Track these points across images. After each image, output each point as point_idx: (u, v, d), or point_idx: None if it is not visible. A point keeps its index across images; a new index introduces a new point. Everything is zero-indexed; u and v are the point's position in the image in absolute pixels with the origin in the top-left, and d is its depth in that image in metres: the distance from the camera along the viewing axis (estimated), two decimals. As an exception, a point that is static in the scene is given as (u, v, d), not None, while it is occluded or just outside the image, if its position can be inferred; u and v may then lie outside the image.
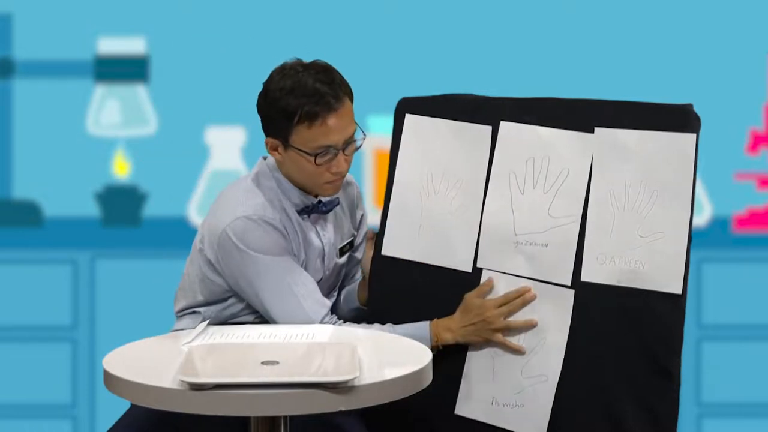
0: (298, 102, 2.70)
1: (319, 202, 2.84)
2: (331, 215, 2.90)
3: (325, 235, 2.88)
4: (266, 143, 2.79)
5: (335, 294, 3.00)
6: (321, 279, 2.87)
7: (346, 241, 2.95)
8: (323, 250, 2.87)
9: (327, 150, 2.73)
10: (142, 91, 4.64)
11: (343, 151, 2.75)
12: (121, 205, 4.56)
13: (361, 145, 2.80)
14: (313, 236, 2.85)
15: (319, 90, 2.71)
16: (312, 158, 2.72)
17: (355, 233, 3.01)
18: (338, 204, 2.90)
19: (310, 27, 4.61)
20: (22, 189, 4.63)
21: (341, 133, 2.73)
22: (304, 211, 2.83)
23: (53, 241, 4.45)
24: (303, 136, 2.72)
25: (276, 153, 2.78)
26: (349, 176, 2.98)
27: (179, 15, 4.67)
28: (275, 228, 2.75)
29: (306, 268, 2.83)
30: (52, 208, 4.57)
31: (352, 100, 2.79)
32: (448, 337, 2.78)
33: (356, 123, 2.78)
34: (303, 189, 2.82)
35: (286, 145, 2.74)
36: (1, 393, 4.39)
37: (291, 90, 2.72)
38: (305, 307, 2.75)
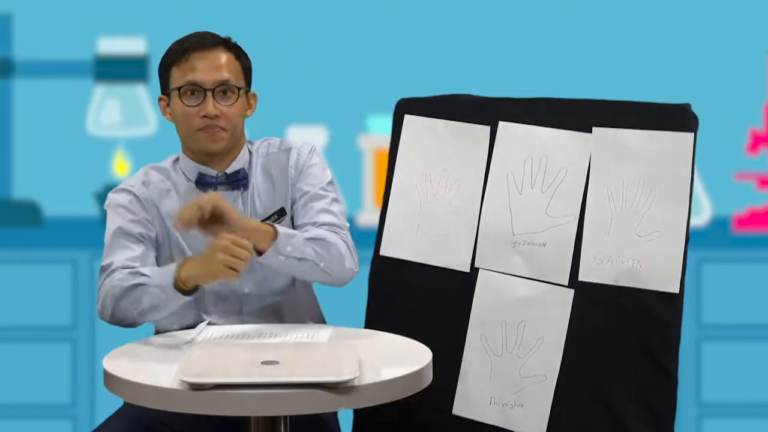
0: (173, 47, 2.83)
1: (225, 174, 2.84)
2: (250, 189, 2.86)
3: None
4: (159, 105, 2.88)
5: None
6: None
7: (271, 213, 2.87)
8: None
9: (193, 86, 2.79)
10: (142, 91, 4.64)
11: (213, 95, 2.78)
12: (122, 205, 4.55)
13: (237, 101, 2.81)
14: None
15: (194, 35, 2.83)
16: (181, 98, 2.79)
17: (284, 206, 2.89)
18: (244, 178, 2.86)
19: (310, 27, 4.61)
20: (22, 189, 4.63)
21: (208, 73, 2.79)
22: (202, 182, 2.85)
23: (53, 241, 4.45)
24: (175, 77, 2.82)
25: (167, 114, 2.86)
26: (288, 142, 2.95)
27: (179, 15, 4.67)
28: (129, 193, 2.84)
29: (187, 235, 2.81)
30: (52, 208, 4.57)
31: (239, 59, 2.83)
32: (190, 272, 2.63)
33: (244, 81, 2.83)
34: (196, 157, 2.86)
35: (168, 94, 2.83)
36: (1, 393, 4.38)
37: (174, 42, 2.84)
38: (107, 259, 2.84)
